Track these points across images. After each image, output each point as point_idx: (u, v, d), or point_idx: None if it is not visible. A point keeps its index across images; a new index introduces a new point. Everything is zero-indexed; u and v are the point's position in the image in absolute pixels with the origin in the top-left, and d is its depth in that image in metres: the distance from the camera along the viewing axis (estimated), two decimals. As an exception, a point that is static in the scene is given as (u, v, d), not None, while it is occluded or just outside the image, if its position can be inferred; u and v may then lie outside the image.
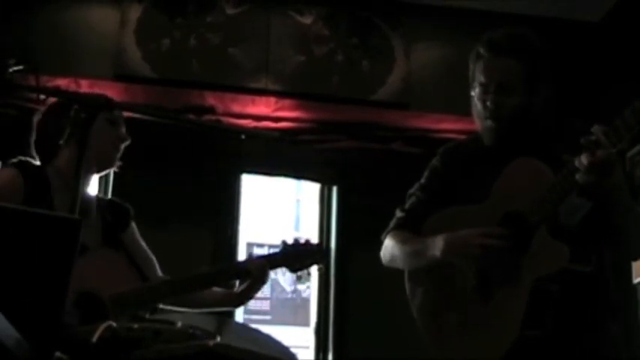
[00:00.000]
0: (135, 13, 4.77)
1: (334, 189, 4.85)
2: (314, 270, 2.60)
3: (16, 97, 4.13)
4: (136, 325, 1.60)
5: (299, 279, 2.56)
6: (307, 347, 4.94)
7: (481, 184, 2.22)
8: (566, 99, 3.40)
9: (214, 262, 4.43)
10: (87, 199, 2.46)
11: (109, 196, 4.09)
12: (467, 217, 2.22)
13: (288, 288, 6.52)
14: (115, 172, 2.64)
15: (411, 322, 2.35)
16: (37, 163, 2.49)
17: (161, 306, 2.38)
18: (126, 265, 2.38)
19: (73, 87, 4.29)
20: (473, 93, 2.26)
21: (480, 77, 2.23)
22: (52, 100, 2.50)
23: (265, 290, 5.41)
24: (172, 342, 1.59)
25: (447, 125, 4.63)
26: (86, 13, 4.79)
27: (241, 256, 4.84)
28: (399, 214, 2.42)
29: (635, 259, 3.66)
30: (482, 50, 2.23)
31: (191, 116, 4.27)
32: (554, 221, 2.08)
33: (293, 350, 1.98)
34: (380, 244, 2.44)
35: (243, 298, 2.55)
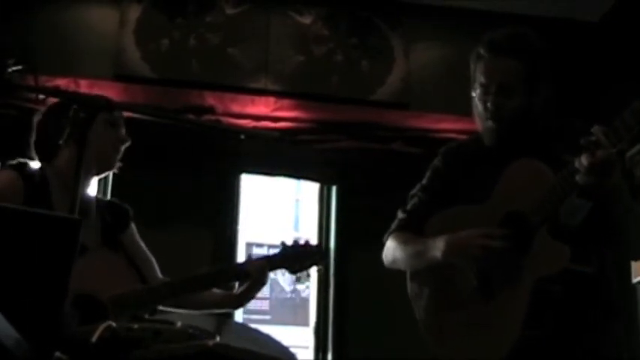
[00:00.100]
0: (134, 13, 4.77)
1: (334, 189, 4.85)
2: (313, 271, 2.60)
3: (16, 97, 4.13)
4: (135, 325, 1.60)
5: (298, 280, 2.56)
6: (307, 347, 4.94)
7: (482, 184, 2.23)
8: (566, 99, 3.40)
9: (214, 262, 4.43)
10: (86, 200, 2.45)
11: (109, 195, 4.09)
12: (468, 217, 2.22)
13: (288, 288, 6.52)
14: (114, 172, 2.63)
15: (410, 321, 2.35)
16: (37, 164, 2.49)
17: (160, 308, 2.38)
18: (125, 266, 2.37)
19: (72, 87, 4.29)
20: (474, 94, 2.26)
21: (480, 78, 2.22)
22: (52, 100, 2.50)
23: (264, 290, 5.40)
24: (172, 342, 1.59)
25: (447, 125, 4.64)
26: (85, 13, 4.79)
27: (241, 255, 4.84)
28: (400, 215, 2.42)
29: (636, 259, 3.66)
30: (482, 51, 2.22)
31: (190, 116, 4.26)
32: (554, 222, 2.08)
33: (292, 350, 1.99)
34: (379, 243, 2.44)
35: (243, 299, 2.55)
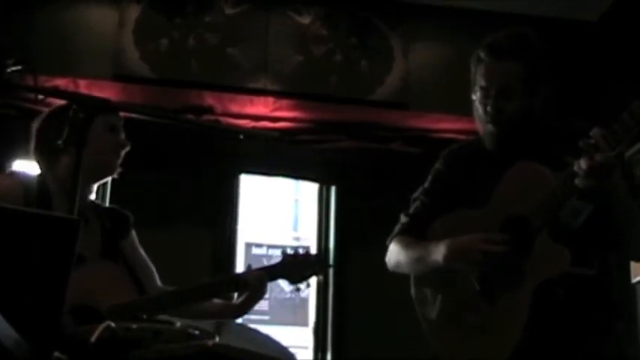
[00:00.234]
0: (133, 13, 4.77)
1: (333, 189, 4.85)
2: (313, 281, 2.59)
3: (15, 98, 4.12)
4: (135, 325, 1.60)
5: (298, 290, 2.55)
6: (306, 347, 4.95)
7: (483, 187, 2.23)
8: (566, 99, 3.40)
9: (213, 262, 4.44)
10: (86, 208, 2.44)
11: (108, 195, 4.09)
12: (470, 221, 2.23)
13: (287, 288, 6.52)
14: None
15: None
16: (37, 170, 2.47)
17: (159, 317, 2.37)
18: (124, 276, 2.35)
19: (71, 87, 4.28)
20: (474, 96, 2.26)
21: (480, 81, 2.23)
22: (51, 100, 2.49)
23: (264, 290, 5.41)
24: (172, 342, 1.59)
25: (446, 125, 4.63)
26: (85, 13, 4.79)
27: (240, 255, 4.84)
28: (403, 219, 2.43)
29: (636, 260, 3.66)
30: (482, 54, 2.22)
31: (190, 116, 4.26)
32: (555, 225, 2.08)
33: (292, 350, 1.98)
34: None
35: (242, 309, 2.52)
